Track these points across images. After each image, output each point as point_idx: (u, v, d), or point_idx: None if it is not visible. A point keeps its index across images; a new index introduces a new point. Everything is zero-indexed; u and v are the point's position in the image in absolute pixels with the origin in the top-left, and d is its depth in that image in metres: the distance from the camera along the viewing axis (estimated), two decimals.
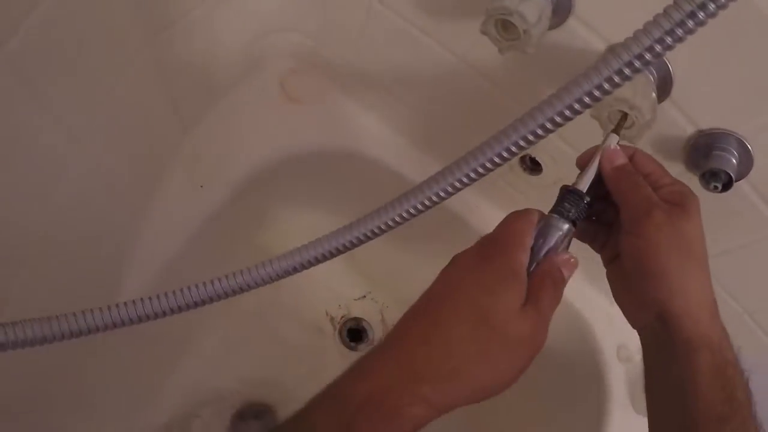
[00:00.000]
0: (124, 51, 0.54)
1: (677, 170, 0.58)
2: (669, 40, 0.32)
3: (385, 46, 0.67)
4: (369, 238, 0.40)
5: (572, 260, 0.39)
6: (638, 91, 0.48)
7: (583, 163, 0.44)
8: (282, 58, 0.73)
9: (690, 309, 0.40)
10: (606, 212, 0.45)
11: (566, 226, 0.40)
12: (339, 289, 0.98)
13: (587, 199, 0.41)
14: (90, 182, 0.55)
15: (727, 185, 0.51)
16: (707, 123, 0.52)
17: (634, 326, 0.44)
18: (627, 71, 0.33)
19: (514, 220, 0.39)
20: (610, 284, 0.46)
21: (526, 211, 0.39)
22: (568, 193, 0.41)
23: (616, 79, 0.33)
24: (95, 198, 0.57)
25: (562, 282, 0.38)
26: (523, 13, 0.44)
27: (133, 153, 0.62)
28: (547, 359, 0.86)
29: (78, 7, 0.43)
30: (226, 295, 0.39)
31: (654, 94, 0.50)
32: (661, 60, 0.50)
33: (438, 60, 0.63)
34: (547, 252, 0.39)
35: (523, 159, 0.69)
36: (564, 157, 0.65)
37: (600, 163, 0.43)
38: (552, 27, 0.50)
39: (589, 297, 0.79)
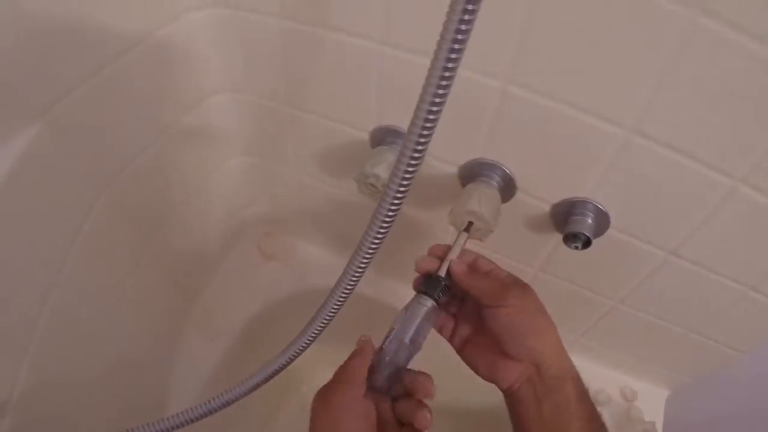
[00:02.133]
0: (131, 254, 0.71)
1: (556, 241, 0.70)
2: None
3: (315, 201, 0.84)
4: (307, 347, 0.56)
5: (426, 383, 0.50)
6: (484, 202, 0.61)
7: (437, 252, 0.56)
8: (254, 227, 0.92)
9: (555, 351, 0.51)
10: (450, 305, 0.57)
11: (430, 302, 0.51)
12: None
13: (444, 280, 0.52)
14: (125, 344, 0.71)
15: (587, 243, 0.62)
16: (555, 197, 0.64)
17: (507, 384, 0.51)
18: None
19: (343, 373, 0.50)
20: (471, 362, 0.54)
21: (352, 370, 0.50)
22: (428, 278, 0.53)
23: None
24: (131, 356, 0.73)
25: None
26: (376, 174, 0.60)
27: (151, 322, 0.79)
28: None
29: (102, 229, 0.62)
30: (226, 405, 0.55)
31: (499, 199, 0.63)
32: (498, 166, 0.64)
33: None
34: (415, 328, 0.50)
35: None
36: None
37: (450, 270, 0.53)
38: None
39: None
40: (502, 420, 0.53)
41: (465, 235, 0.58)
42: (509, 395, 0.52)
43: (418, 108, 0.38)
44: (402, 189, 0.43)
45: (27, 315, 0.53)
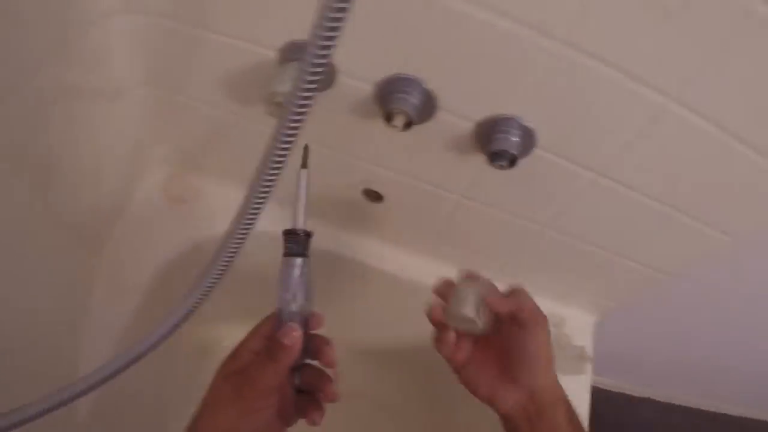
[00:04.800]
0: (24, 206, 0.63)
1: (482, 159, 0.65)
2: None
3: (223, 134, 0.77)
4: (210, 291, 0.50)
5: (294, 332, 0.47)
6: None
7: None
8: (159, 168, 0.84)
9: (553, 380, 0.54)
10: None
11: (299, 261, 0.48)
12: None
13: (303, 233, 0.49)
14: (28, 305, 0.64)
15: (513, 161, 0.59)
16: (479, 114, 0.61)
17: (504, 408, 0.54)
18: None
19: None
20: (471, 383, 0.56)
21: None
22: (289, 236, 0.49)
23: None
24: (36, 319, 0.66)
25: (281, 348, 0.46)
26: (282, 92, 0.55)
27: (56, 281, 0.71)
28: None
29: None
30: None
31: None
32: (419, 84, 0.59)
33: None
34: (292, 286, 0.48)
35: (367, 192, 0.79)
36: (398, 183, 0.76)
37: (490, 305, 0.53)
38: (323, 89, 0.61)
39: None
40: None
41: (305, 171, 0.51)
42: (505, 418, 0.54)
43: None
44: (303, 103, 0.39)
45: None
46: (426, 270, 0.90)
